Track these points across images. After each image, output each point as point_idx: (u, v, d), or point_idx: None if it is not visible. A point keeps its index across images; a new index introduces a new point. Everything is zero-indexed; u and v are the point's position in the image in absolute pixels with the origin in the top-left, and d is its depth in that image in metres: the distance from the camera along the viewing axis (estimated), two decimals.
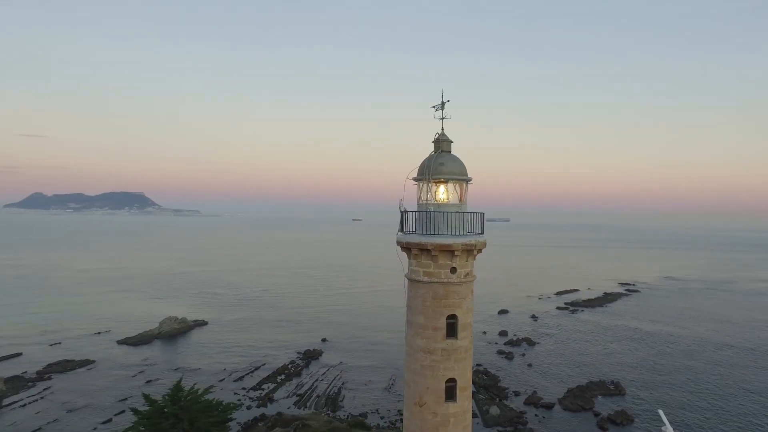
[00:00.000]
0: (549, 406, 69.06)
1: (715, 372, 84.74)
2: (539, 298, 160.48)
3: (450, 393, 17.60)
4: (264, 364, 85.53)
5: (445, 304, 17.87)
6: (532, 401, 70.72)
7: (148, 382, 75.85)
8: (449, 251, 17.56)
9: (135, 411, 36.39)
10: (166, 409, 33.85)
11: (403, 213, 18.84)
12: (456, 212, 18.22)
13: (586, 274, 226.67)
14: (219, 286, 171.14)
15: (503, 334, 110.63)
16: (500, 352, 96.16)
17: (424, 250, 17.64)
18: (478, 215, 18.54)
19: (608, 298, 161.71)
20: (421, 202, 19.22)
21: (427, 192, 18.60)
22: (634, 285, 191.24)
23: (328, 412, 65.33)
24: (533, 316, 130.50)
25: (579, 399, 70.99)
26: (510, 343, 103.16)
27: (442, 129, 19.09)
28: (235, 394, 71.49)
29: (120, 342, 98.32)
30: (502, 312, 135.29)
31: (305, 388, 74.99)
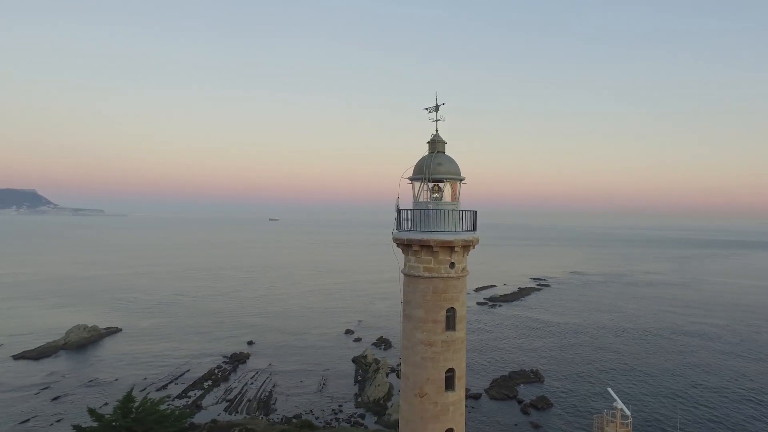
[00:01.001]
0: (476, 397, 72.46)
1: (616, 355, 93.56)
2: None
3: (449, 383, 18.52)
4: (188, 371, 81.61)
5: (445, 297, 18.68)
6: None
7: (56, 398, 69.25)
8: (449, 247, 18.42)
9: (78, 429, 32.59)
10: (116, 423, 30.84)
11: (399, 211, 19.40)
12: (452, 210, 19.10)
13: (501, 270, 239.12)
14: (131, 291, 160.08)
15: None
16: None
17: (425, 246, 18.31)
18: (471, 213, 19.49)
19: (523, 292, 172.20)
20: (419, 200, 19.85)
21: (427, 191, 19.31)
22: (544, 280, 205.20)
23: (261, 415, 63.89)
24: None
25: (503, 388, 75.24)
26: None
27: (437, 130, 19.83)
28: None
29: (16, 357, 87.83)
30: None
31: (235, 392, 72.64)
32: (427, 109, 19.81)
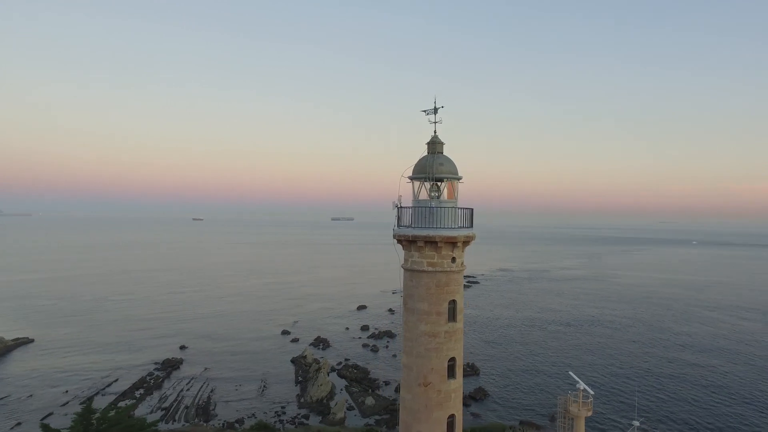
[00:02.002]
0: None
1: (544, 345, 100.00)
2: (393, 293, 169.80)
3: (451, 371, 19.56)
4: (116, 381, 76.78)
5: (447, 290, 19.68)
6: None
7: None
8: (452, 243, 19.42)
9: None
10: None
11: (399, 209, 20.04)
12: (452, 207, 20.04)
13: None
14: (43, 297, 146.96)
15: (365, 328, 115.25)
16: (365, 346, 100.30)
17: (429, 242, 19.13)
18: (468, 210, 20.52)
19: None
20: (420, 198, 20.61)
21: (429, 189, 20.10)
22: (474, 277, 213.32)
23: (202, 422, 61.81)
24: (390, 310, 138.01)
25: None
26: (373, 336, 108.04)
27: (435, 132, 20.67)
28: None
29: None
30: (361, 307, 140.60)
31: (170, 400, 69.51)
32: (425, 111, 20.58)
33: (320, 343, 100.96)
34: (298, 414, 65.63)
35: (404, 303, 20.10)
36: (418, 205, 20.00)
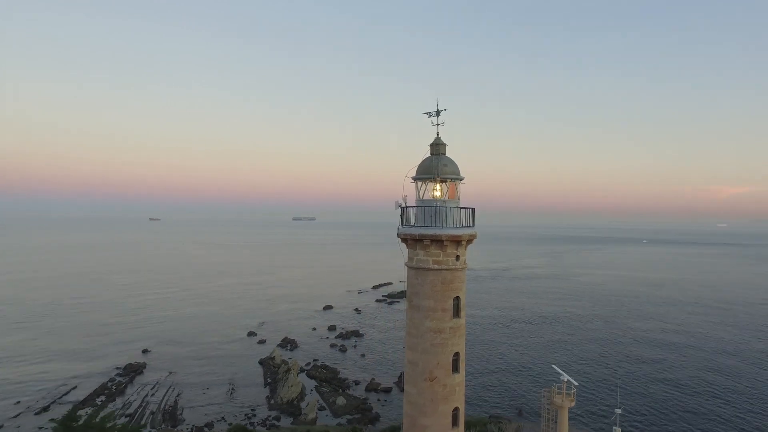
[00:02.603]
0: (387, 390, 75.19)
1: (508, 342, 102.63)
2: (359, 293, 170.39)
3: (455, 365, 20.22)
4: (75, 388, 73.69)
5: (452, 288, 20.37)
6: (372, 387, 76.06)
7: None
8: (457, 241, 20.07)
9: None
10: None
11: (403, 208, 20.62)
12: (455, 207, 20.69)
13: (396, 268, 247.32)
14: None
15: (332, 328, 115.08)
16: (333, 346, 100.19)
17: (436, 240, 19.72)
18: (470, 210, 21.19)
19: None
20: (424, 198, 21.13)
21: (434, 190, 20.65)
22: None
23: (169, 427, 60.35)
24: (356, 310, 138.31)
25: None
26: (340, 336, 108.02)
27: (438, 134, 21.30)
28: (40, 429, 60.26)
29: None
30: (327, 308, 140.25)
31: (134, 406, 67.42)
32: (427, 113, 21.12)
33: (288, 343, 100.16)
34: (269, 416, 65.04)
35: (409, 300, 20.59)
36: (423, 205, 20.58)
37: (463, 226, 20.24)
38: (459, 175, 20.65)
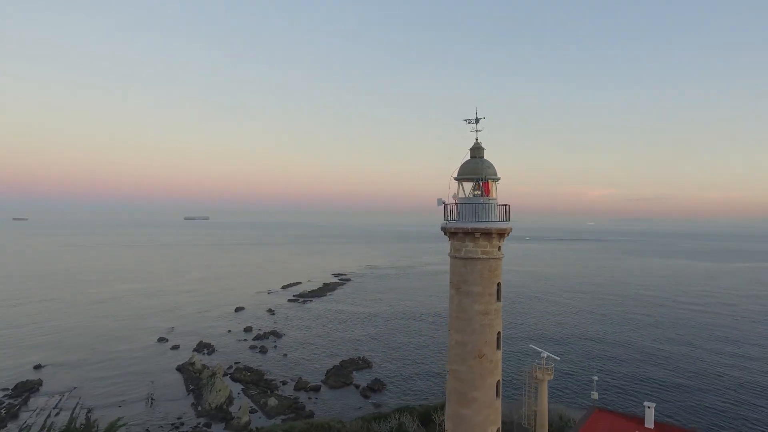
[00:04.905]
0: (317, 389, 75.13)
1: (424, 331, 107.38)
2: (269, 293, 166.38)
3: (498, 343, 22.41)
4: None
5: (496, 275, 22.29)
6: (301, 386, 75.49)
7: None
8: (501, 234, 22.13)
9: None
10: None
11: (444, 205, 22.06)
12: (495, 204, 22.58)
13: (301, 267, 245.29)
14: None
15: (248, 330, 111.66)
16: (253, 348, 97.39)
17: (485, 233, 21.51)
18: (506, 206, 23.02)
19: (328, 287, 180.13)
20: (467, 196, 22.72)
21: (478, 189, 22.27)
22: (345, 274, 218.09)
23: None
24: (270, 310, 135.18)
25: (339, 377, 79.53)
26: (258, 337, 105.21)
27: (477, 139, 23.07)
28: None
29: None
30: (239, 309, 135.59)
31: (35, 429, 60.15)
32: (466, 120, 22.85)
33: (204, 347, 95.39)
34: (198, 423, 61.96)
35: (456, 287, 22.01)
36: (469, 202, 22.35)
37: (503, 220, 22.27)
38: (497, 175, 22.75)
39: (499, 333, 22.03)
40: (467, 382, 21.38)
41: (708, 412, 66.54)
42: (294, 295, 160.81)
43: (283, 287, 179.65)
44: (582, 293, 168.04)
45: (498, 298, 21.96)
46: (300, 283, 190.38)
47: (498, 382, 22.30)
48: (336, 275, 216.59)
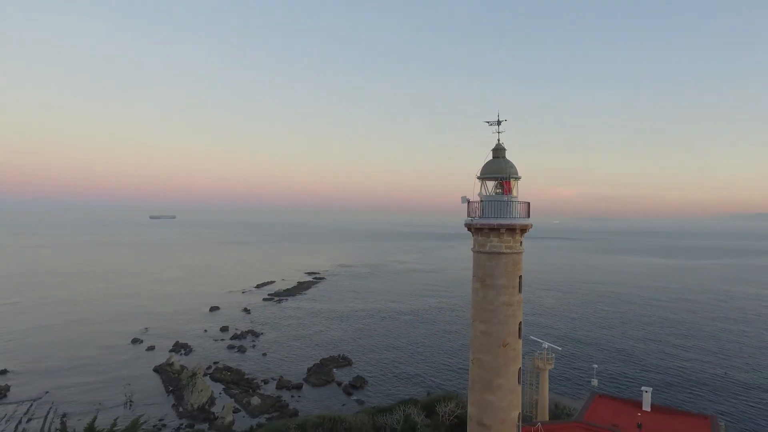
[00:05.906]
0: (299, 387, 74.89)
1: (400, 328, 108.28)
2: (243, 293, 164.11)
3: (520, 332, 23.44)
4: None
5: (518, 268, 23.33)
6: (283, 385, 75.06)
7: None
8: (524, 230, 23.20)
9: None
10: None
11: (469, 203, 23.16)
12: (517, 201, 23.58)
13: (275, 267, 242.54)
14: None
15: (225, 329, 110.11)
16: (231, 347, 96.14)
17: (510, 229, 22.54)
18: (526, 204, 23.97)
19: (303, 286, 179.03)
20: (490, 193, 23.69)
21: (501, 187, 23.29)
22: (319, 273, 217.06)
23: None
24: (245, 309, 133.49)
25: (321, 375, 79.46)
26: (236, 337, 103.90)
27: (499, 140, 24.10)
28: None
29: None
30: (214, 309, 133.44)
31: None
32: (488, 122, 23.96)
33: (181, 348, 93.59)
34: (181, 424, 61.00)
35: (481, 280, 22.87)
36: (494, 200, 23.38)
37: (524, 217, 23.34)
38: (518, 175, 23.84)
39: (520, 323, 23.07)
40: (492, 370, 22.44)
41: (700, 393, 71.96)
42: (269, 294, 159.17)
43: (257, 286, 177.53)
44: (572, 289, 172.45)
45: (519, 290, 23.00)
46: (274, 282, 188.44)
47: (519, 369, 23.45)
48: (310, 273, 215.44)
